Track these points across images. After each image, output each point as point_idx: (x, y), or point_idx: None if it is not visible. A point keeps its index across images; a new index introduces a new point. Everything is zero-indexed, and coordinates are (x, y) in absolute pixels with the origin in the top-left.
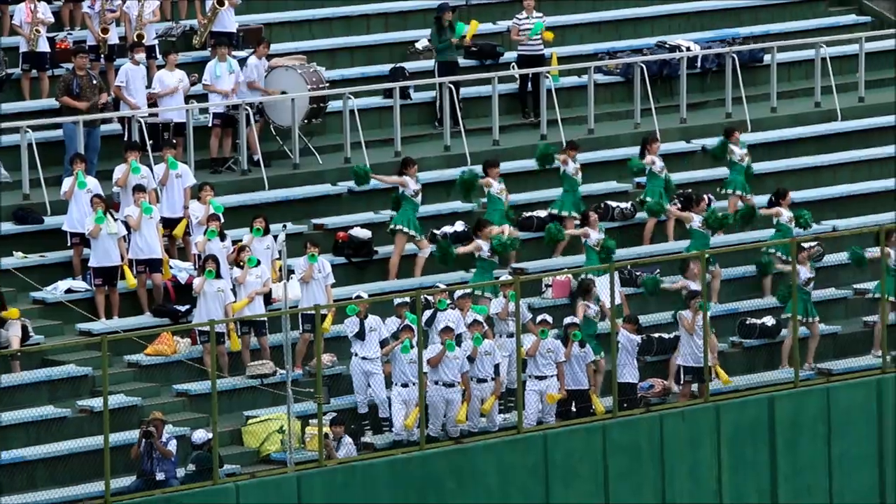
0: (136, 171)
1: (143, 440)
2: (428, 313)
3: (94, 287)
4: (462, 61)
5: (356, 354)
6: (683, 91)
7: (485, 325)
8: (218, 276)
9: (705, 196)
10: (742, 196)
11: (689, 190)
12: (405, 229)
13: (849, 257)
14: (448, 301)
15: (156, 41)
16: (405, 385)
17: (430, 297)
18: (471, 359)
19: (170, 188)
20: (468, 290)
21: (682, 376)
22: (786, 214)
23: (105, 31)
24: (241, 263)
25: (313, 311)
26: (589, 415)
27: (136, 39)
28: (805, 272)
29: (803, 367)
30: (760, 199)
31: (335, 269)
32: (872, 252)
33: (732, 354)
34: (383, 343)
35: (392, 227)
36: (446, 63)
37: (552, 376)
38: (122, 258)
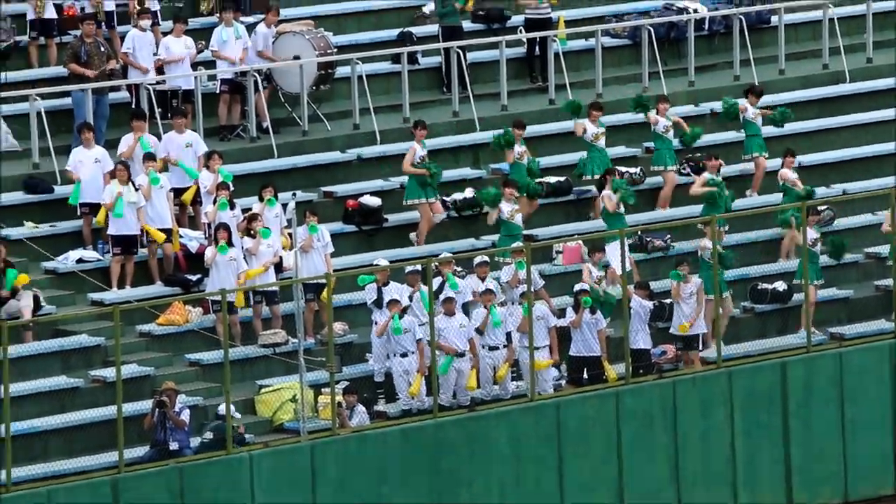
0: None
1: (157, 410)
2: (438, 282)
3: (112, 255)
4: (469, 26)
5: (376, 323)
6: (691, 54)
7: (497, 293)
8: (230, 245)
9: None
10: (758, 157)
11: (699, 154)
12: (419, 200)
13: (829, 248)
14: (459, 269)
15: (159, 7)
16: (404, 355)
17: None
18: (479, 331)
19: (181, 157)
20: (485, 258)
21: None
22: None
23: None
24: (253, 233)
25: (317, 281)
26: (601, 382)
27: (138, 7)
28: (811, 233)
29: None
30: (773, 163)
31: (346, 237)
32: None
33: (744, 319)
34: (403, 311)
35: (406, 201)
36: (450, 28)
37: (544, 346)
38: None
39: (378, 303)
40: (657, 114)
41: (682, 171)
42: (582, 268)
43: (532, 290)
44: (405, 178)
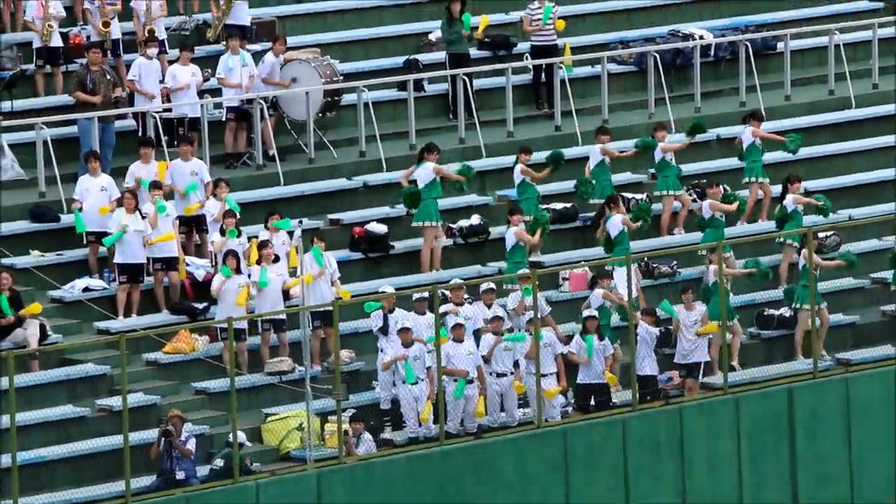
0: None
1: (163, 439)
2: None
3: (118, 284)
4: (475, 52)
5: (382, 350)
6: (697, 80)
7: (505, 320)
8: (237, 272)
9: (720, 185)
10: (761, 182)
11: (704, 180)
12: (430, 223)
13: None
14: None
15: (166, 36)
16: (414, 383)
17: (447, 293)
18: (485, 359)
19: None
20: (491, 285)
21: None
22: (790, 197)
23: (106, 24)
24: (262, 261)
25: (324, 309)
26: (609, 409)
27: (146, 35)
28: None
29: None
30: (775, 189)
31: (353, 264)
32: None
33: (751, 346)
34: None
35: (416, 223)
36: (457, 55)
37: (552, 374)
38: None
39: (384, 329)
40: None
41: (692, 198)
42: (590, 295)
43: (539, 316)
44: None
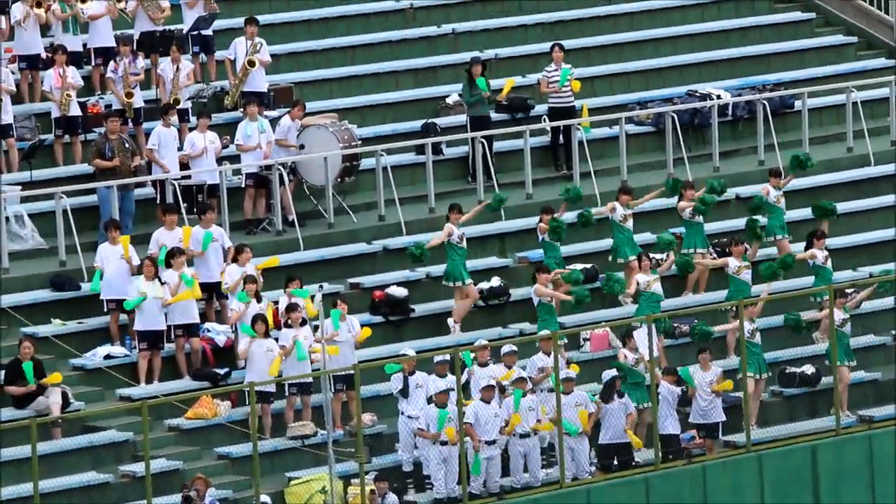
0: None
1: None
2: (466, 374)
3: (139, 351)
4: (493, 115)
5: (402, 413)
6: (715, 139)
7: (528, 382)
8: (266, 336)
9: (743, 244)
10: (779, 239)
11: (725, 239)
12: (457, 283)
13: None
14: (473, 355)
15: (189, 103)
16: (444, 443)
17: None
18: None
19: (208, 252)
20: (513, 348)
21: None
22: (820, 255)
23: (129, 95)
24: (292, 323)
25: (346, 372)
26: (631, 468)
27: (171, 103)
28: (839, 314)
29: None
30: (797, 247)
31: (373, 327)
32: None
33: (773, 403)
34: (429, 400)
35: (446, 283)
36: (478, 118)
37: (582, 432)
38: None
39: (404, 392)
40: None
41: (712, 257)
42: (618, 353)
43: (559, 376)
44: (431, 269)
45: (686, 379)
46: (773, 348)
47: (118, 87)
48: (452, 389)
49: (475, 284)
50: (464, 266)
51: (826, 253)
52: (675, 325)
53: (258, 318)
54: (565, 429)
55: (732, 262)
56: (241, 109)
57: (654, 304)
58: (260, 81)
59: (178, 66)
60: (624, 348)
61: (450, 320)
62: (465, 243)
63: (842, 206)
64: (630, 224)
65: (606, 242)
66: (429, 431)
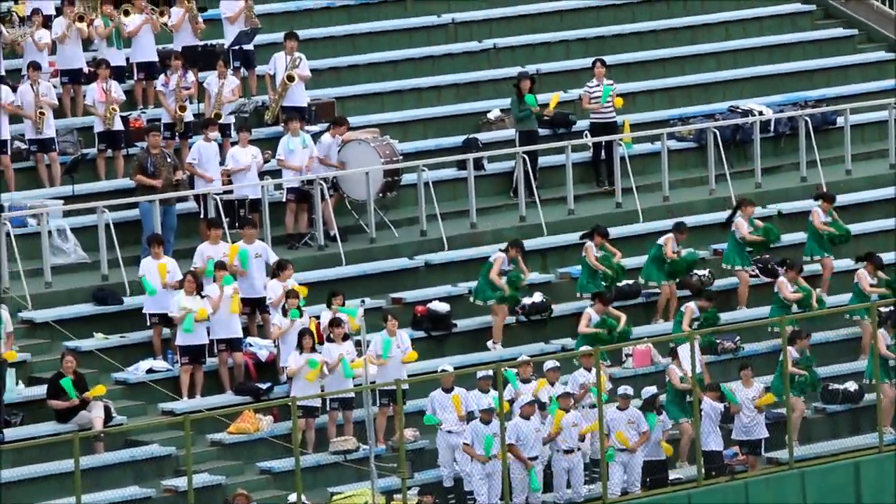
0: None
1: None
2: (508, 390)
3: (180, 365)
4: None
5: (440, 428)
6: (757, 155)
7: (572, 398)
8: (312, 350)
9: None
10: (821, 259)
11: (767, 255)
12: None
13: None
14: (515, 371)
15: (232, 118)
16: (487, 459)
17: (511, 370)
18: (546, 440)
19: (251, 268)
20: (556, 363)
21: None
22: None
23: (182, 108)
24: (335, 338)
25: (392, 387)
26: (665, 485)
27: (213, 117)
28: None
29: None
30: (840, 263)
31: (415, 343)
32: None
33: (816, 420)
34: (469, 416)
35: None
36: (526, 132)
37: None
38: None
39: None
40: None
41: (752, 273)
42: (667, 370)
43: (604, 391)
44: (473, 283)
45: (728, 397)
46: (816, 365)
47: (169, 101)
48: (492, 409)
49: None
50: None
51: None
52: (718, 340)
53: (305, 332)
54: (608, 457)
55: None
56: (283, 124)
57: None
58: (300, 96)
59: (223, 81)
60: (672, 365)
61: (489, 343)
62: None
63: (883, 223)
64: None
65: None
66: (473, 448)
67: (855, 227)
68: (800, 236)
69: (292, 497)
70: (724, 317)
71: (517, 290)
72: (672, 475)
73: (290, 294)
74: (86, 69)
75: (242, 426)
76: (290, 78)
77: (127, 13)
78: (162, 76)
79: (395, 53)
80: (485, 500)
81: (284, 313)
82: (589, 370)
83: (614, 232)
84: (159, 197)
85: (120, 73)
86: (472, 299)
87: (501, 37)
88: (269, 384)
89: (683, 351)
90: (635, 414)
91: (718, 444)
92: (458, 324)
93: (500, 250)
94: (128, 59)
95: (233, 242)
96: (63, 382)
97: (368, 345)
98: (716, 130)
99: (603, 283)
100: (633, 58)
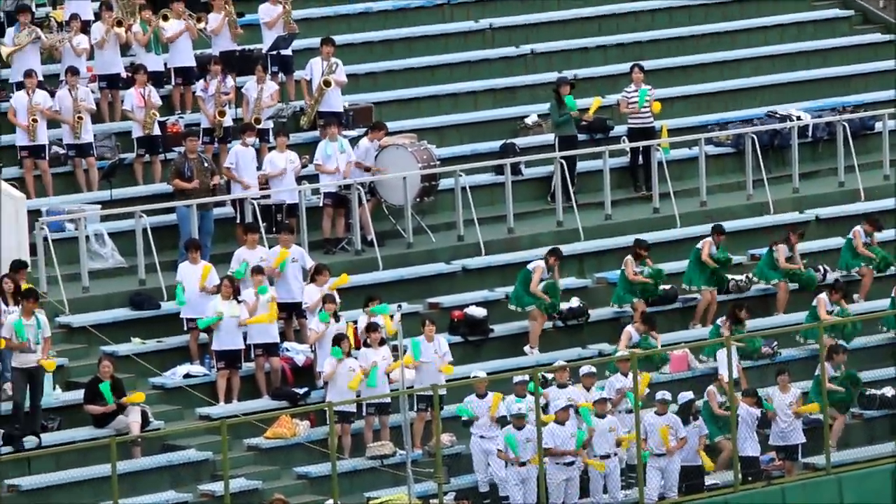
0: (239, 274)
1: None
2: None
3: (217, 370)
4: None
5: (475, 433)
6: (795, 160)
7: (609, 403)
8: (348, 356)
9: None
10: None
11: (805, 260)
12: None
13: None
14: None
15: (270, 122)
16: (522, 464)
17: (548, 375)
18: (583, 445)
19: (286, 272)
20: (592, 369)
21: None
22: None
23: (222, 114)
24: (371, 343)
25: (429, 392)
26: (700, 491)
27: (253, 122)
28: None
29: None
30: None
31: (452, 348)
32: None
33: (853, 426)
34: (500, 421)
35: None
36: (565, 137)
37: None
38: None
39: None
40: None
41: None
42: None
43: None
44: (510, 288)
45: (765, 406)
46: (853, 370)
47: (208, 106)
48: (523, 415)
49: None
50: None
51: None
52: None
53: (341, 337)
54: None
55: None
56: (319, 129)
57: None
58: (336, 101)
59: (262, 86)
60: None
61: (526, 348)
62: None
63: None
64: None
65: (683, 264)
66: (506, 453)
67: (891, 234)
68: (837, 241)
69: (329, 503)
70: (761, 323)
71: (555, 298)
72: (709, 481)
73: (326, 299)
74: (124, 74)
75: (279, 431)
76: (327, 83)
77: (166, 18)
78: (201, 81)
79: (432, 59)
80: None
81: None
82: (626, 375)
83: (651, 237)
84: (197, 202)
85: (158, 79)
86: (510, 305)
87: (539, 42)
88: (305, 389)
89: (721, 356)
90: (673, 419)
91: (755, 449)
92: (494, 329)
93: (541, 258)
94: (166, 65)
95: (269, 247)
96: (102, 387)
97: (405, 350)
98: (754, 135)
99: (638, 296)
100: (671, 63)
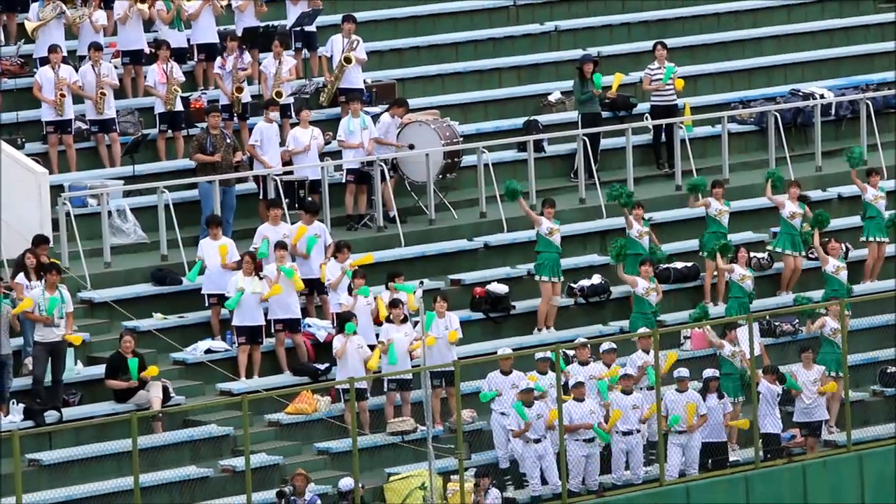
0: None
1: (282, 501)
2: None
3: (238, 346)
4: None
5: (495, 410)
6: (818, 139)
7: (632, 379)
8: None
9: (841, 243)
10: (879, 241)
11: (825, 239)
12: (544, 279)
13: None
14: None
15: (291, 99)
16: (538, 441)
17: (569, 352)
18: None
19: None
20: (612, 346)
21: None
22: None
23: (239, 90)
24: (393, 318)
25: (445, 369)
26: (725, 467)
27: (274, 97)
28: None
29: None
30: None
31: (474, 324)
32: None
33: (873, 403)
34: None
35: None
36: (589, 115)
37: (684, 431)
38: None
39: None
40: (789, 198)
41: (810, 256)
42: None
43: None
44: (531, 265)
45: (790, 384)
46: (873, 348)
47: (225, 83)
48: (532, 390)
49: (575, 283)
50: (550, 263)
51: None
52: (776, 323)
53: (353, 316)
54: (671, 421)
55: (831, 262)
56: (341, 105)
57: (743, 301)
58: (356, 78)
59: (279, 61)
60: (724, 339)
61: (537, 329)
62: (555, 240)
63: None
64: (725, 220)
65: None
66: (517, 423)
67: None
68: (857, 220)
69: (347, 479)
70: (782, 300)
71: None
72: (730, 458)
73: (356, 274)
74: (147, 50)
75: (300, 406)
76: (347, 60)
77: None
78: (219, 58)
79: (456, 35)
80: (538, 484)
81: (350, 292)
82: (647, 352)
83: (673, 214)
84: (219, 177)
85: (181, 55)
86: (536, 277)
87: (563, 19)
88: (326, 365)
89: (742, 332)
90: (694, 396)
91: (776, 426)
92: (516, 305)
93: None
94: (188, 41)
95: (292, 223)
96: (130, 362)
97: (427, 327)
98: (776, 113)
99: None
100: (695, 41)
